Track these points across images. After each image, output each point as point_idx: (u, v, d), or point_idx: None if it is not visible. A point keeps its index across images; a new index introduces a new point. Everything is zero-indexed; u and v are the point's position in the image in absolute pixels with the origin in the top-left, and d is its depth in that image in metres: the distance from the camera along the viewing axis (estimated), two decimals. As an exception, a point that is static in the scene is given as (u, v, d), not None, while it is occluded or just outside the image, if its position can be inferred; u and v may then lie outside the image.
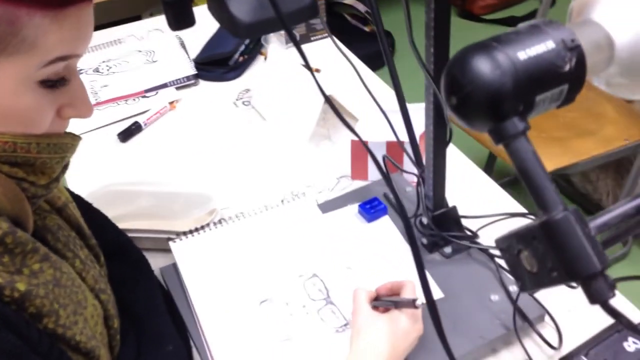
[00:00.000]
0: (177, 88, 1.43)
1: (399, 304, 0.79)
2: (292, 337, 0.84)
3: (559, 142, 1.71)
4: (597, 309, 0.90)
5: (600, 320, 0.83)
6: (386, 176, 0.58)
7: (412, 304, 0.77)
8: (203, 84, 1.46)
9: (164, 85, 1.42)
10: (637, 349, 0.77)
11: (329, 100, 0.52)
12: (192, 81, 1.45)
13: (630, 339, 0.78)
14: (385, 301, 0.80)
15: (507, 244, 0.42)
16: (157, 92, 1.41)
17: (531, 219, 1.03)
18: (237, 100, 1.39)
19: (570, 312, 0.88)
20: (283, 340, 0.83)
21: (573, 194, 2.19)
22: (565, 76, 0.40)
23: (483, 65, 0.39)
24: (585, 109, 1.82)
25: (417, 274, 0.91)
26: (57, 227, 0.66)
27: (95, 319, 0.65)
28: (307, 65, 0.52)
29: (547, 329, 0.86)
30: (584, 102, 1.85)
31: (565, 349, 0.82)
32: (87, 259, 0.69)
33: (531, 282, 0.42)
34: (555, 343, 0.84)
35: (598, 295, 0.39)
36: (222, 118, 1.34)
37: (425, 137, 0.84)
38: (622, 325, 0.54)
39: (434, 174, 0.85)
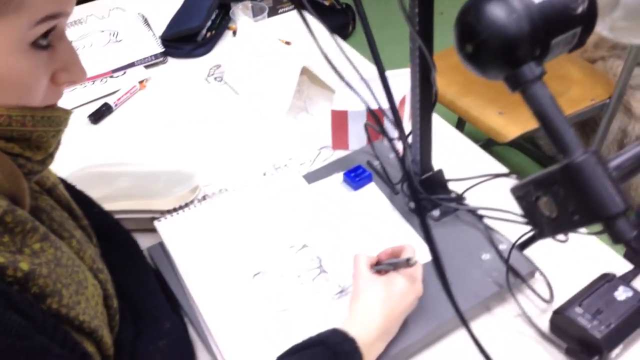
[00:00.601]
0: (146, 67, 1.39)
1: (396, 266, 0.79)
2: (289, 307, 0.83)
3: (528, 105, 1.73)
4: (583, 262, 0.92)
5: (587, 273, 0.86)
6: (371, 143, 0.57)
7: (406, 263, 0.77)
8: (172, 61, 1.43)
9: (132, 65, 1.38)
10: (627, 297, 0.79)
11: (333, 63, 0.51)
12: (160, 59, 1.41)
13: (621, 288, 0.80)
14: (384, 265, 0.81)
15: (524, 191, 0.42)
16: (124, 72, 1.37)
17: (514, 179, 1.04)
18: (208, 76, 1.36)
19: (559, 266, 0.90)
20: (280, 311, 0.83)
21: (541, 157, 2.23)
22: (579, 18, 0.40)
23: (498, 11, 0.39)
24: (550, 71, 1.83)
25: (405, 238, 0.92)
26: (50, 207, 0.65)
27: (96, 299, 0.63)
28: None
29: (538, 284, 0.87)
30: (549, 64, 1.87)
31: (557, 302, 0.84)
32: (82, 239, 0.67)
33: (550, 227, 0.42)
34: (547, 297, 0.85)
35: (622, 235, 0.39)
36: (194, 95, 1.32)
37: (411, 100, 0.83)
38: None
39: (421, 137, 0.85)
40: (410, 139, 0.90)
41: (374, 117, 1.01)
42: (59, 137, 0.61)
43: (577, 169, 0.38)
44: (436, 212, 0.94)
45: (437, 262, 0.59)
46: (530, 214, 0.42)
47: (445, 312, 0.81)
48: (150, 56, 1.40)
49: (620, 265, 0.89)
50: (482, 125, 1.71)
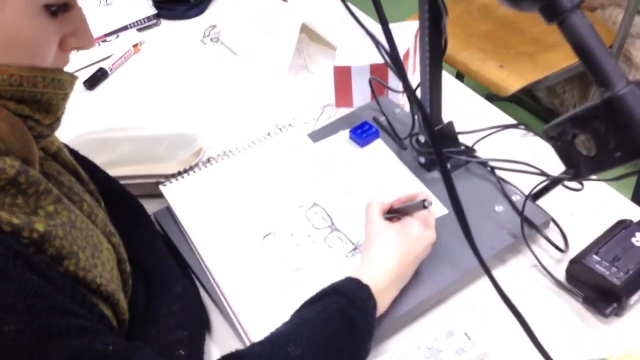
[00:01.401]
0: (139, 30, 1.36)
1: (410, 209, 0.78)
2: (302, 267, 0.82)
3: (529, 57, 1.70)
4: (596, 210, 0.91)
5: (601, 221, 0.85)
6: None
7: (421, 205, 0.76)
8: (165, 23, 1.39)
9: (124, 28, 1.34)
10: (645, 242, 0.78)
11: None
12: (154, 21, 1.37)
13: (638, 234, 0.79)
14: (396, 209, 0.80)
15: (560, 130, 0.40)
16: (117, 36, 1.33)
17: (523, 130, 1.03)
18: (204, 37, 1.33)
19: (572, 215, 0.89)
20: (293, 270, 0.82)
21: (540, 111, 2.21)
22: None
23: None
24: (550, 22, 1.81)
25: (416, 192, 0.91)
26: (57, 172, 0.63)
27: (111, 263, 0.62)
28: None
29: (552, 234, 0.86)
30: (548, 15, 1.84)
31: (572, 251, 0.83)
32: (92, 203, 0.65)
33: (588, 167, 0.40)
34: (562, 246, 0.84)
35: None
36: (191, 57, 1.28)
37: (420, 49, 0.81)
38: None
39: (431, 88, 0.83)
40: (418, 92, 0.88)
41: (378, 71, 0.97)
42: (66, 100, 0.61)
43: (620, 101, 0.36)
44: (447, 166, 0.92)
45: (458, 209, 0.58)
46: (566, 155, 0.41)
47: (463, 264, 0.81)
48: (143, 19, 1.36)
49: (633, 211, 0.88)
50: (482, 79, 1.69)
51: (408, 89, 0.53)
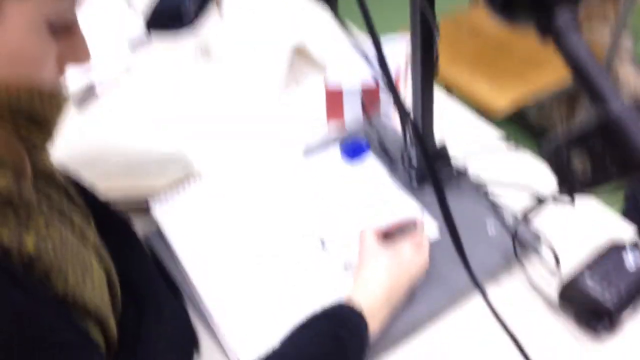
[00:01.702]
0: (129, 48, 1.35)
1: (402, 231, 0.80)
2: (293, 288, 0.81)
3: (518, 76, 1.71)
4: (587, 228, 0.90)
5: (592, 238, 0.85)
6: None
7: (413, 224, 0.77)
8: (156, 41, 1.38)
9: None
10: (638, 265, 0.78)
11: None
12: (144, 40, 1.37)
13: (630, 255, 0.79)
14: (390, 234, 0.81)
15: (555, 148, 0.40)
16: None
17: (513, 146, 1.03)
18: (196, 55, 1.32)
19: (564, 233, 0.89)
20: (284, 292, 0.81)
21: (525, 126, 2.22)
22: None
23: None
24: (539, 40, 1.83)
25: (407, 211, 0.91)
26: (48, 190, 0.62)
27: (101, 283, 0.61)
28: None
29: (544, 253, 0.86)
30: (534, 36, 1.86)
31: (564, 269, 0.83)
32: (82, 223, 0.64)
33: (583, 183, 0.40)
34: (553, 266, 0.84)
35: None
36: (182, 74, 1.28)
37: (411, 71, 0.81)
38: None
39: (423, 110, 0.83)
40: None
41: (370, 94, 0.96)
42: (62, 119, 0.60)
43: (616, 120, 0.36)
44: (438, 185, 0.92)
45: (452, 229, 0.58)
46: (560, 172, 0.41)
47: (455, 283, 0.80)
48: (133, 39, 1.35)
49: (624, 229, 0.89)
50: (471, 97, 1.70)
51: (404, 116, 0.52)
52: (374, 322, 0.72)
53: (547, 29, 0.38)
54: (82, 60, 0.59)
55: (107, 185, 0.90)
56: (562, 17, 0.37)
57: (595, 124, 0.38)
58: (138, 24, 1.38)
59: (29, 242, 0.52)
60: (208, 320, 0.79)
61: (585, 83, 0.37)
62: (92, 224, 0.70)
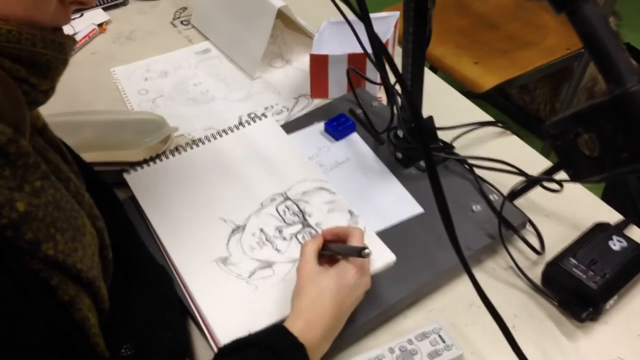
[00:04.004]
0: (104, 9, 1.29)
1: (346, 254, 0.70)
2: (272, 262, 0.78)
3: (504, 55, 1.69)
4: (573, 213, 0.89)
5: (577, 223, 0.84)
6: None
7: (358, 253, 0.68)
8: (133, 3, 1.33)
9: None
10: (622, 247, 0.77)
11: None
12: (120, 0, 1.31)
13: (615, 238, 0.78)
14: (332, 251, 0.72)
15: (562, 128, 0.37)
16: (82, 14, 1.27)
17: (499, 127, 1.01)
18: (174, 19, 1.28)
19: (548, 216, 0.87)
20: (262, 267, 0.78)
21: (509, 107, 2.21)
22: None
23: None
24: (525, 20, 1.81)
25: (392, 190, 0.88)
26: (43, 148, 0.59)
27: (93, 248, 0.58)
28: None
29: (528, 236, 0.84)
30: (523, 13, 1.83)
31: (548, 254, 0.82)
32: (78, 183, 0.61)
33: (589, 168, 0.37)
34: (538, 248, 0.83)
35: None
36: (160, 39, 1.23)
37: (403, 40, 0.77)
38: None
39: (412, 80, 0.80)
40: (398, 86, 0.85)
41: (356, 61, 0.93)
42: (65, 66, 0.57)
43: (632, 99, 0.33)
44: (423, 162, 0.90)
45: (443, 208, 0.56)
46: (566, 154, 0.38)
47: (437, 264, 0.79)
48: (110, -3, 1.30)
49: (607, 214, 0.87)
50: (457, 75, 1.67)
51: (401, 82, 0.49)
52: (313, 355, 0.64)
53: (563, 2, 0.35)
54: (87, 1, 0.56)
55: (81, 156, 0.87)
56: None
57: (607, 102, 0.35)
58: (115, -16, 1.32)
59: (21, 203, 0.49)
60: (180, 286, 0.77)
61: (599, 59, 0.34)
62: (84, 185, 0.66)
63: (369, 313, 0.73)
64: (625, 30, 2.03)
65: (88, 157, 0.88)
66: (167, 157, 0.91)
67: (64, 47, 0.55)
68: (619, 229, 0.81)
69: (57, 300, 0.51)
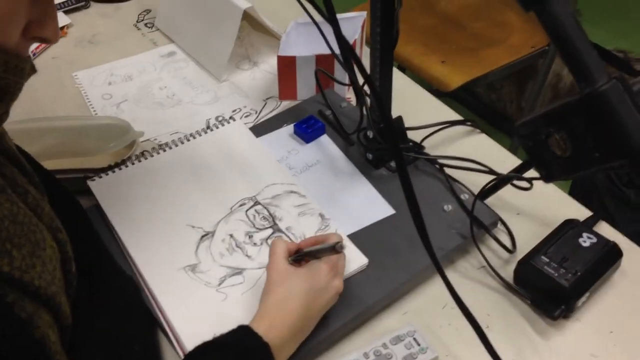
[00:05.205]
0: (65, 12, 1.26)
1: (319, 253, 0.69)
2: (243, 268, 0.77)
3: (470, 53, 1.70)
4: (543, 211, 0.90)
5: (548, 221, 0.84)
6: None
7: (332, 249, 0.67)
8: (95, 6, 1.30)
9: (50, 9, 1.25)
10: (592, 243, 0.78)
11: None
12: (82, 3, 1.28)
13: (585, 235, 0.78)
14: (305, 252, 0.71)
15: (533, 128, 0.37)
16: (42, 18, 1.24)
17: (468, 125, 1.01)
18: (138, 22, 1.25)
19: (519, 215, 0.88)
20: (232, 275, 0.76)
21: (476, 105, 2.23)
22: None
23: None
24: (490, 18, 1.82)
25: (362, 192, 0.87)
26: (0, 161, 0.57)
27: (54, 262, 0.56)
28: None
29: (500, 235, 0.84)
30: (489, 12, 1.85)
31: (520, 252, 0.82)
32: (37, 196, 0.59)
33: (560, 168, 0.37)
34: (509, 247, 0.83)
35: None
36: (124, 42, 1.20)
37: (371, 41, 0.77)
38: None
39: (381, 81, 0.79)
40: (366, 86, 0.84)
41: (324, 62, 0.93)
42: (20, 91, 0.56)
43: (602, 98, 0.33)
44: (394, 163, 0.89)
45: (415, 209, 0.55)
46: (536, 155, 0.38)
47: (410, 266, 0.78)
48: (70, 0, 1.26)
49: (576, 211, 0.88)
50: (425, 74, 1.67)
51: (369, 83, 0.49)
52: (278, 357, 0.63)
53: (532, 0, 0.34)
54: (49, 36, 0.55)
55: (43, 164, 0.84)
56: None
57: (577, 101, 0.34)
58: (76, -14, 1.29)
59: None
60: (148, 296, 0.75)
61: (569, 57, 0.34)
62: (46, 196, 0.64)
63: (343, 317, 0.72)
64: (584, 26, 2.06)
65: (50, 164, 0.85)
66: (132, 163, 0.89)
67: (21, 73, 0.54)
68: (588, 226, 0.81)
69: (14, 317, 0.49)
